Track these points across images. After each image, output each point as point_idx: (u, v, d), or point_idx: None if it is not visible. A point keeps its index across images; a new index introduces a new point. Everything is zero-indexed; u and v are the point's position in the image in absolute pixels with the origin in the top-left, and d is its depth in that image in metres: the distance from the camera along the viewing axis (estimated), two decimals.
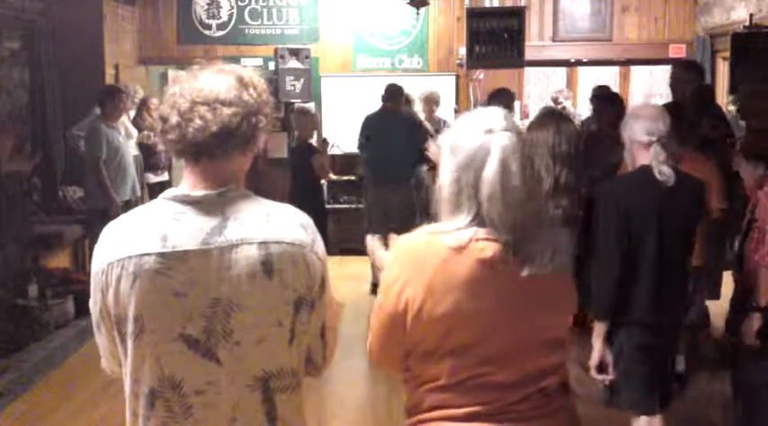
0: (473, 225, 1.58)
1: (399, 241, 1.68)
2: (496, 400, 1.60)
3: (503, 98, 5.72)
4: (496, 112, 1.65)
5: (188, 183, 1.58)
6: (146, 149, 7.20)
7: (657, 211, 2.77)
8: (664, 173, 2.74)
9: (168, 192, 1.58)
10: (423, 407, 1.67)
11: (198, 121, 1.51)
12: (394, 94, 6.44)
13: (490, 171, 1.55)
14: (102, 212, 5.95)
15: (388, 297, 1.63)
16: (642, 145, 2.80)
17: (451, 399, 1.62)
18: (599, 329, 2.84)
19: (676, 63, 5.78)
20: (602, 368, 2.85)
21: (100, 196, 6.13)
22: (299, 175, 6.30)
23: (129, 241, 1.52)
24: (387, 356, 1.72)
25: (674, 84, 5.33)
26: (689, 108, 4.70)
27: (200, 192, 1.55)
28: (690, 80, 5.21)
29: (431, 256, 1.58)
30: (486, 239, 1.57)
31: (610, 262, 2.75)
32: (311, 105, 8.34)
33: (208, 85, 1.54)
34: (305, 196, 5.89)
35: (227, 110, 1.52)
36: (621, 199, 2.79)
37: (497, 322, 1.58)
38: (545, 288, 1.61)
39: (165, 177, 7.50)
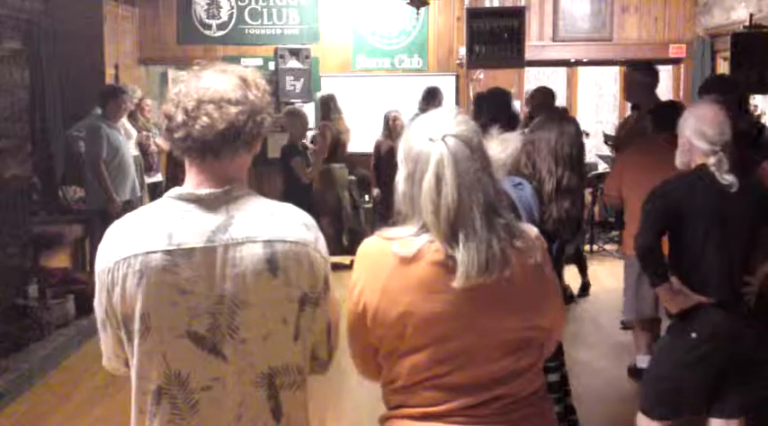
0: (423, 232, 1.59)
1: (361, 244, 1.70)
2: (452, 402, 1.61)
3: (496, 97, 5.75)
4: (440, 117, 1.64)
5: (192, 182, 1.59)
6: (142, 149, 7.21)
7: (720, 214, 2.75)
8: (727, 179, 2.72)
9: (173, 191, 1.59)
10: (390, 405, 1.72)
11: (205, 119, 1.52)
12: (425, 96, 7.12)
13: (426, 184, 1.57)
14: (102, 212, 5.96)
15: (351, 299, 1.66)
16: (703, 152, 2.77)
17: (409, 399, 1.65)
18: (663, 292, 2.90)
19: (632, 65, 5.76)
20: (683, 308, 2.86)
21: (101, 196, 6.12)
22: (286, 175, 6.39)
23: (135, 239, 1.53)
24: (359, 358, 1.75)
25: (628, 86, 5.34)
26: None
27: (205, 190, 1.56)
28: (646, 84, 5.20)
29: (385, 260, 1.60)
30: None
31: (643, 233, 2.86)
32: (310, 105, 8.36)
33: (213, 85, 1.55)
34: (292, 196, 5.93)
35: (233, 109, 1.54)
36: (673, 199, 2.82)
37: (452, 323, 1.59)
38: (508, 287, 1.59)
39: (158, 178, 7.50)
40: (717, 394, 2.84)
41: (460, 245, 1.55)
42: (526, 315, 1.64)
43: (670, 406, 2.95)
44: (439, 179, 1.55)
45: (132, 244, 1.53)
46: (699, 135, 2.78)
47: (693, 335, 2.83)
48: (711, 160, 2.74)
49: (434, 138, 1.58)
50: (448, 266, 1.56)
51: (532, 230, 1.70)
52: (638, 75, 5.19)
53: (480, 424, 1.61)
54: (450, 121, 1.62)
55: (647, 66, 5.35)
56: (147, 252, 1.51)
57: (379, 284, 1.60)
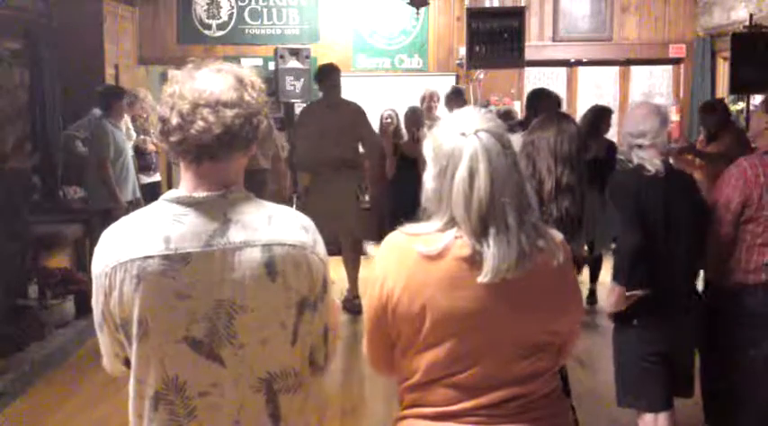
0: (450, 227, 1.58)
1: (385, 238, 1.70)
2: (467, 401, 1.60)
3: (543, 99, 5.79)
4: (472, 113, 1.64)
5: (189, 185, 1.56)
6: (137, 150, 7.20)
7: (664, 205, 2.90)
8: (655, 164, 2.91)
9: (169, 194, 1.57)
10: (404, 404, 1.70)
11: (200, 123, 1.49)
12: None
13: (458, 177, 1.56)
14: (103, 212, 5.94)
15: (373, 291, 1.66)
16: (636, 145, 2.99)
17: (424, 397, 1.64)
18: (619, 295, 2.92)
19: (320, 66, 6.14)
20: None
21: (102, 196, 6.10)
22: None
23: (132, 244, 1.51)
24: (376, 352, 1.74)
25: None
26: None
27: (201, 194, 1.54)
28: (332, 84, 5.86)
29: (409, 256, 1.60)
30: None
31: (630, 231, 2.89)
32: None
33: (208, 86, 1.52)
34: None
35: (229, 112, 1.51)
36: (634, 194, 2.92)
37: (471, 321, 1.58)
38: (530, 288, 1.59)
39: (156, 178, 7.49)
40: (673, 379, 2.98)
41: (491, 240, 1.54)
42: (545, 318, 1.63)
43: (633, 395, 3.03)
44: (472, 172, 1.55)
45: (129, 248, 1.51)
46: (627, 128, 3.04)
47: (635, 322, 2.96)
48: (641, 153, 2.95)
49: (467, 133, 1.58)
50: (474, 262, 1.55)
51: (558, 235, 1.69)
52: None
53: (495, 424, 1.60)
54: (480, 118, 1.62)
55: (326, 67, 5.80)
56: (145, 257, 1.49)
57: (402, 278, 1.60)
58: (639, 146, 2.96)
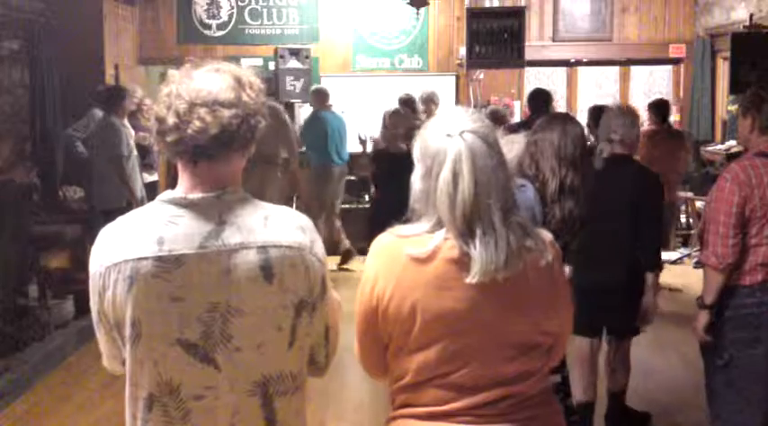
0: (438, 228, 1.59)
1: (374, 241, 1.69)
2: (458, 401, 1.60)
3: (540, 99, 5.78)
4: (458, 114, 1.65)
5: (185, 186, 1.55)
6: (140, 149, 7.18)
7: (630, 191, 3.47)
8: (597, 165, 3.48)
9: (165, 195, 1.55)
10: (395, 404, 1.70)
11: (197, 123, 1.47)
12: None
13: (442, 178, 1.56)
14: (106, 212, 5.89)
15: (363, 293, 1.66)
16: (608, 140, 3.57)
17: (416, 398, 1.64)
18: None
19: None
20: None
21: (103, 195, 6.07)
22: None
23: (126, 244, 1.50)
24: (367, 354, 1.74)
25: None
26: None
27: (197, 195, 1.52)
28: None
29: (399, 257, 1.60)
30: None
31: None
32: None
33: (206, 86, 1.50)
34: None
35: (226, 112, 1.48)
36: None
37: (461, 321, 1.58)
38: (520, 288, 1.59)
39: (155, 177, 7.48)
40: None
41: (477, 241, 1.54)
42: (536, 317, 1.63)
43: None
44: (456, 174, 1.55)
45: (123, 249, 1.49)
46: (602, 128, 3.69)
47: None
48: (608, 147, 3.58)
49: (452, 134, 1.58)
50: (462, 263, 1.55)
51: (547, 235, 1.69)
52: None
53: (487, 424, 1.60)
54: (467, 118, 1.62)
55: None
56: (138, 259, 1.47)
57: (391, 280, 1.60)
58: (610, 141, 3.54)
